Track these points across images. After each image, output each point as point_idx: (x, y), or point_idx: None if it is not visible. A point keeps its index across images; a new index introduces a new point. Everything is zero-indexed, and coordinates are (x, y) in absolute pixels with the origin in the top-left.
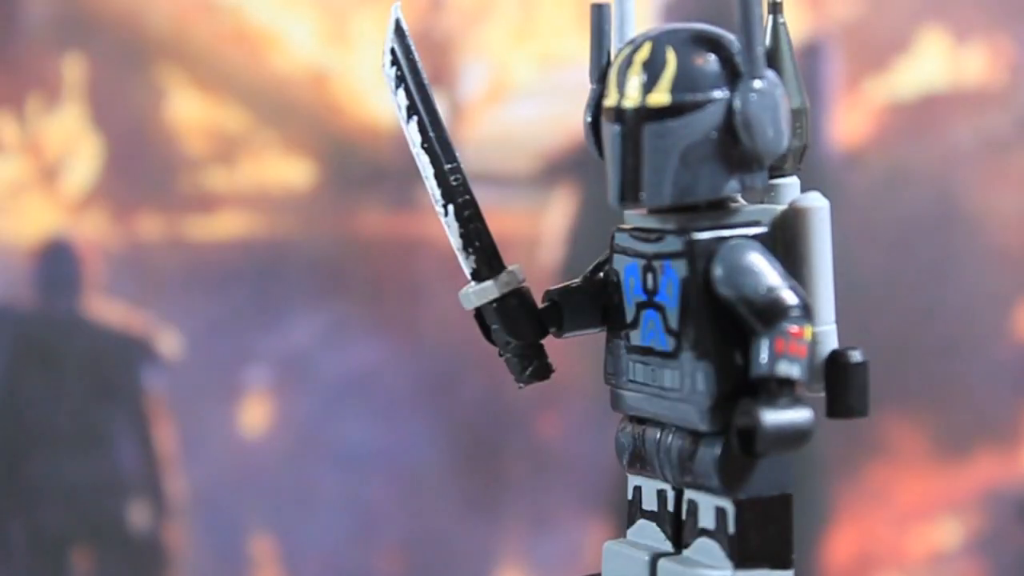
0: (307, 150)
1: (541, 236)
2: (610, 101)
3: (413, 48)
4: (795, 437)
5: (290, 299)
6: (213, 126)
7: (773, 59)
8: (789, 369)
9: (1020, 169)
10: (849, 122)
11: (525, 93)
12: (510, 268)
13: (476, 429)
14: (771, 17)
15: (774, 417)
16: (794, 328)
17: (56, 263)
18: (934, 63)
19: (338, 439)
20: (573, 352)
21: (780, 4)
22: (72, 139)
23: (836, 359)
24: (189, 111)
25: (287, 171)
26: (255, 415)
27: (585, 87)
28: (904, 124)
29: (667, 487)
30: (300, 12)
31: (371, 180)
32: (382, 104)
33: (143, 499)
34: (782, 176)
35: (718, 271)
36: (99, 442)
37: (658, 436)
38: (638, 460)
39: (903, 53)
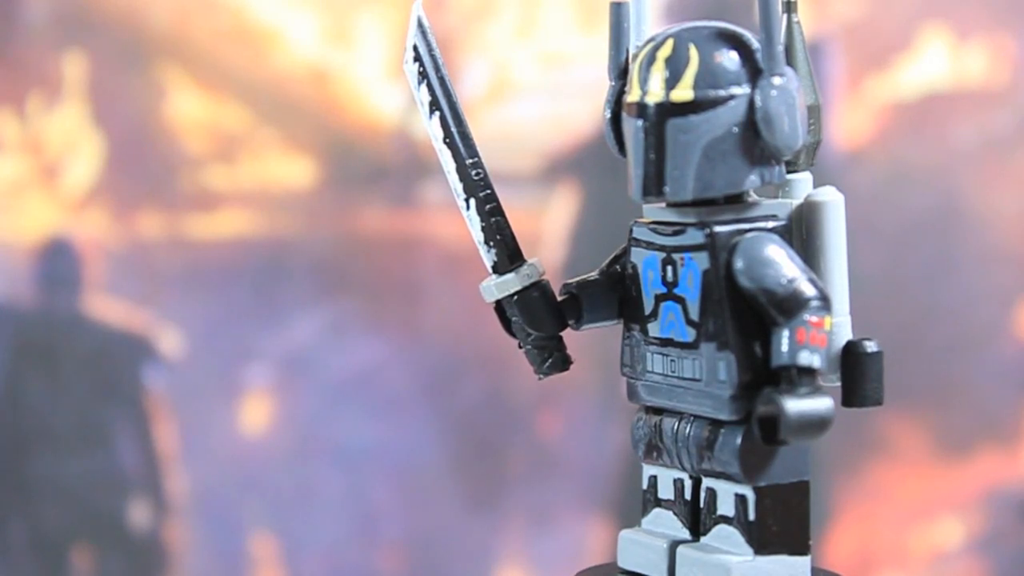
0: (308, 148)
1: (542, 235)
2: (633, 97)
3: (435, 44)
4: (817, 425)
5: (291, 297)
6: (214, 124)
7: (787, 57)
8: (810, 359)
9: (1021, 168)
10: (851, 121)
11: (527, 92)
12: (530, 261)
13: (476, 427)
14: (785, 16)
15: (797, 405)
16: (814, 318)
17: (57, 262)
18: (936, 62)
19: (339, 437)
20: (573, 351)
21: (794, 3)
22: (73, 137)
23: (851, 349)
24: (190, 109)
25: (288, 169)
26: (256, 414)
27: (586, 86)
28: (906, 123)
29: (684, 476)
30: (301, 10)
31: (372, 178)
32: (383, 102)
33: (143, 498)
34: (795, 171)
35: (739, 263)
36: (100, 441)
37: (675, 426)
38: (654, 450)
39: (905, 52)
